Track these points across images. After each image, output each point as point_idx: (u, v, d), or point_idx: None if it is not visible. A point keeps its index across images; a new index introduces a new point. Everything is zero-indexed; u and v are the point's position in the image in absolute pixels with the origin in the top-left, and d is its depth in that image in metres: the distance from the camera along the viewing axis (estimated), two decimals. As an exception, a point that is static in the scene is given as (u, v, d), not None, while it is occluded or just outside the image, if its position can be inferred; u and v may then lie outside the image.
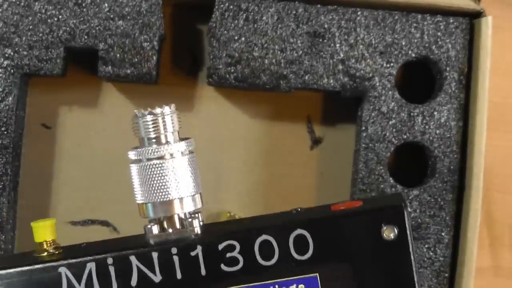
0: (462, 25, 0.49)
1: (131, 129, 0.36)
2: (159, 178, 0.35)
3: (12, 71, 0.47)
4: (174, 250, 0.34)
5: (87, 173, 0.52)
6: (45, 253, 0.36)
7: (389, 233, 0.35)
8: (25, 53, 0.47)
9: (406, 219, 0.35)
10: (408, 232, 0.35)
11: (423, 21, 0.49)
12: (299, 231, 0.34)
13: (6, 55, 0.47)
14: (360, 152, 0.49)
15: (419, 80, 0.52)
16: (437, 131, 0.49)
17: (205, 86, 0.51)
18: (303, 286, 0.34)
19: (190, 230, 0.35)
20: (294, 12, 0.48)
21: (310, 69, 0.48)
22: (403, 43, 0.49)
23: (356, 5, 0.49)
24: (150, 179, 0.35)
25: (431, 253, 0.48)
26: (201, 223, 0.36)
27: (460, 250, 0.48)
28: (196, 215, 0.36)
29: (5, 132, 0.47)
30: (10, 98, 0.47)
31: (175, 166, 0.35)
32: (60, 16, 0.47)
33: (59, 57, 0.47)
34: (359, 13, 0.49)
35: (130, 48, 0.47)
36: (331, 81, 0.49)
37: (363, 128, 0.49)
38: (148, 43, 0.47)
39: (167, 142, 0.35)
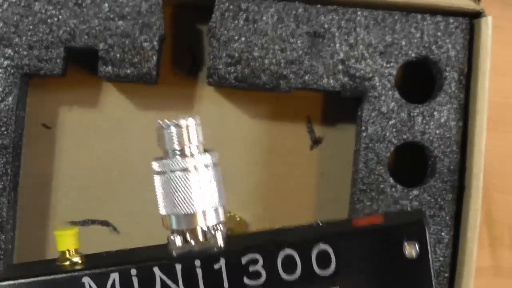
0: (462, 25, 0.49)
1: (156, 139, 0.36)
2: (183, 190, 0.34)
3: (12, 71, 0.47)
4: (197, 263, 0.34)
5: (87, 173, 0.52)
6: (68, 262, 0.35)
7: (411, 249, 0.35)
8: (25, 53, 0.47)
9: (427, 235, 0.35)
10: (428, 249, 0.35)
11: (423, 21, 0.49)
12: (322, 246, 0.34)
13: (6, 55, 0.47)
14: (360, 152, 0.49)
15: (419, 80, 0.52)
16: (437, 131, 0.49)
17: (205, 86, 0.51)
18: None
19: (213, 243, 0.35)
20: (294, 12, 0.48)
21: (310, 69, 0.48)
22: (403, 43, 0.49)
23: (356, 5, 0.49)
24: (173, 191, 0.35)
25: (431, 253, 0.48)
26: (224, 235, 0.35)
27: (460, 250, 0.48)
28: (219, 226, 0.35)
29: (5, 132, 0.47)
30: (10, 98, 0.47)
31: (199, 178, 0.34)
32: (60, 16, 0.47)
33: (59, 57, 0.47)
34: (359, 13, 0.49)
35: (130, 48, 0.47)
36: (331, 81, 0.49)
37: (363, 128, 0.49)
38: (148, 43, 0.47)
39: (192, 155, 0.35)
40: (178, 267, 0.34)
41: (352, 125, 0.52)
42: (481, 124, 0.47)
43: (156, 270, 0.34)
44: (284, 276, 0.34)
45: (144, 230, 0.52)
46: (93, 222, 0.51)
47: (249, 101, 0.52)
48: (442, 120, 0.49)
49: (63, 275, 0.34)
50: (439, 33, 0.49)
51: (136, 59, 0.47)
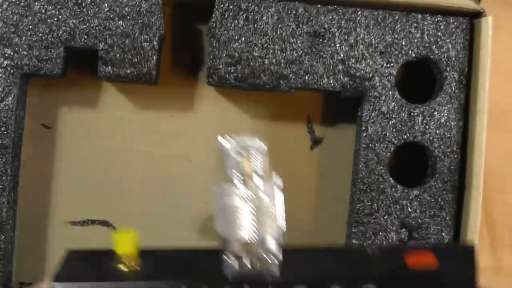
0: (462, 25, 0.49)
1: (220, 161, 0.36)
2: (243, 217, 0.34)
3: (12, 71, 0.47)
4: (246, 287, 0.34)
5: (87, 173, 0.52)
6: (123, 266, 0.36)
7: None
8: (25, 53, 0.47)
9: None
10: None
11: (423, 21, 0.49)
12: (370, 285, 0.34)
13: (6, 55, 0.47)
14: (360, 152, 0.49)
15: (419, 80, 0.52)
16: (437, 131, 0.49)
17: (205, 86, 0.51)
18: None
19: (267, 269, 0.35)
20: (294, 12, 0.48)
21: (310, 69, 0.48)
22: (403, 43, 0.49)
23: (356, 5, 0.49)
24: (233, 216, 0.35)
25: (431, 253, 0.48)
26: (279, 262, 0.35)
27: (460, 250, 0.48)
28: (276, 254, 0.35)
29: (5, 132, 0.47)
30: (10, 98, 0.47)
31: (260, 206, 0.35)
32: (60, 16, 0.47)
33: (59, 57, 0.47)
34: (359, 13, 0.49)
35: (130, 48, 0.47)
36: (331, 81, 0.49)
37: (363, 128, 0.49)
38: (148, 43, 0.47)
39: (254, 183, 0.35)
40: None
41: (352, 125, 0.52)
42: (481, 124, 0.47)
43: None
44: None
45: (144, 230, 0.52)
46: (93, 222, 0.51)
47: (249, 101, 0.52)
48: (443, 120, 0.49)
49: (122, 283, 0.34)
50: (439, 33, 0.49)
51: (136, 59, 0.47)
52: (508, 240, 0.55)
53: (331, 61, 0.48)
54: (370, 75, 0.49)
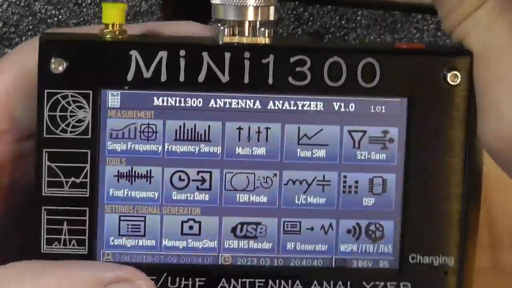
0: (462, 25, 0.49)
1: None
2: None
3: (12, 71, 0.47)
4: (246, 54, 0.34)
5: (87, 173, 0.51)
6: (113, 35, 0.33)
7: (453, 78, 0.35)
8: (25, 53, 0.47)
9: (469, 66, 0.36)
10: (470, 80, 0.36)
11: (423, 21, 0.49)
12: (369, 59, 0.34)
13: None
14: (360, 152, 0.49)
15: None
16: (437, 131, 0.49)
17: (205, 86, 0.51)
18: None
19: (262, 39, 0.34)
20: (294, 12, 0.48)
21: (310, 69, 0.48)
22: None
23: (356, 5, 0.49)
24: None
25: (431, 253, 0.48)
26: (273, 33, 0.35)
27: (460, 250, 0.48)
28: (269, 26, 0.35)
29: (5, 132, 0.47)
30: (10, 98, 0.47)
31: None
32: (60, 16, 0.47)
33: (59, 57, 0.47)
34: (359, 13, 0.49)
35: (130, 48, 0.47)
36: (331, 81, 0.49)
37: (363, 128, 0.49)
38: (148, 43, 0.47)
39: None
40: (227, 55, 0.33)
41: (352, 125, 0.52)
42: (481, 124, 0.47)
43: (205, 54, 0.33)
44: (328, 81, 0.34)
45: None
46: (93, 222, 0.51)
47: (249, 101, 0.52)
48: (443, 120, 0.49)
49: (112, 45, 0.33)
50: (439, 33, 0.49)
51: (136, 59, 0.47)
52: (508, 240, 0.55)
53: (331, 61, 0.48)
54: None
